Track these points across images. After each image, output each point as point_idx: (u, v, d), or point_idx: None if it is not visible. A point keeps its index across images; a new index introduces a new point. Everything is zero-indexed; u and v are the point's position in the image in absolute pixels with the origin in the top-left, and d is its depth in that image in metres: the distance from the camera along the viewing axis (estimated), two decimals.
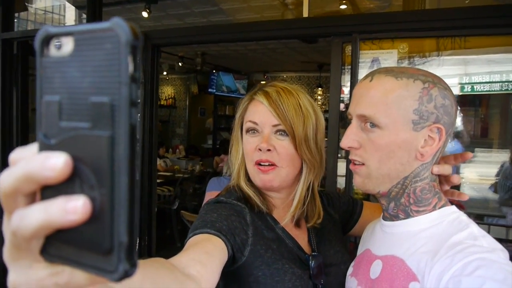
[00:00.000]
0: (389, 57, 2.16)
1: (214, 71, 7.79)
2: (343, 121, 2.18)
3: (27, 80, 3.30)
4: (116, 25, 0.25)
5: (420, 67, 2.10)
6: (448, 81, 0.81)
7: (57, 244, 0.27)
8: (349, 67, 2.18)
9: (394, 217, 0.86)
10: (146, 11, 4.37)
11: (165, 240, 4.89)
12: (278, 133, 0.97)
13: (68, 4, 5.44)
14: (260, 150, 0.96)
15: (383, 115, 0.78)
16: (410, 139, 0.78)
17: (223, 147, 5.90)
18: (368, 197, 1.86)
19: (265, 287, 0.89)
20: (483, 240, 0.71)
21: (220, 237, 0.84)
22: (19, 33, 3.31)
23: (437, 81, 0.79)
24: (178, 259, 0.69)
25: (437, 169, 0.81)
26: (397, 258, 0.80)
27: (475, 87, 2.40)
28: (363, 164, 0.83)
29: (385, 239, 0.87)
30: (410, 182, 0.81)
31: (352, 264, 0.99)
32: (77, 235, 0.26)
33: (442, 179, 0.87)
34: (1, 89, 3.06)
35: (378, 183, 0.83)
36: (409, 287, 0.75)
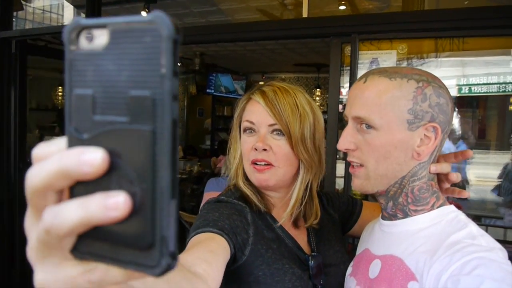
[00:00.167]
0: (388, 57, 2.17)
1: (213, 73, 7.79)
2: (342, 122, 2.19)
3: (25, 79, 3.30)
4: (159, 19, 0.24)
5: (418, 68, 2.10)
6: (446, 82, 0.82)
7: (89, 241, 0.26)
8: (348, 68, 2.19)
9: (392, 217, 0.86)
10: (145, 11, 4.37)
11: None
12: (274, 133, 0.97)
13: (66, 4, 5.43)
14: (256, 149, 0.96)
15: (378, 116, 0.78)
16: (406, 139, 0.78)
17: (221, 148, 5.88)
18: (366, 197, 1.86)
19: (265, 287, 0.89)
20: (481, 239, 0.71)
21: (223, 236, 0.84)
22: (17, 32, 3.31)
23: (431, 80, 0.79)
24: (184, 258, 0.68)
25: (434, 168, 0.82)
26: (396, 258, 0.80)
27: (472, 88, 2.41)
28: (361, 165, 0.83)
29: (384, 239, 0.88)
30: (408, 182, 0.81)
31: (351, 264, 0.99)
32: (113, 231, 0.25)
33: (442, 177, 0.87)
34: None
35: (376, 184, 0.83)
36: (408, 287, 0.75)
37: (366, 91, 0.80)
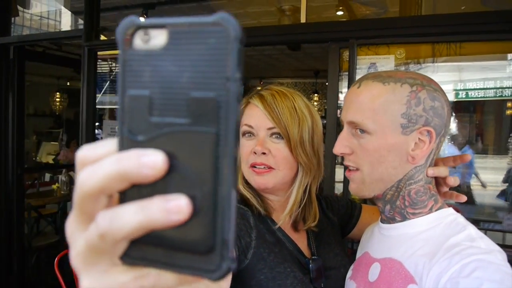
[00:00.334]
0: (386, 62, 2.18)
1: None
2: (340, 127, 2.19)
3: (23, 85, 3.30)
4: (225, 20, 0.24)
5: None
6: (443, 87, 0.82)
7: (141, 246, 0.25)
8: (346, 73, 2.19)
9: (391, 220, 0.86)
10: (144, 17, 4.38)
11: None
12: (273, 136, 0.97)
13: (64, 10, 5.44)
14: (255, 153, 0.96)
15: (371, 120, 0.79)
16: (400, 143, 0.78)
17: None
18: (365, 200, 1.86)
19: None
20: (480, 242, 0.71)
21: None
22: (15, 38, 3.31)
23: (426, 83, 0.79)
24: None
25: (431, 172, 0.82)
26: (395, 261, 0.80)
27: (469, 93, 2.42)
28: (357, 169, 0.83)
29: (383, 242, 0.88)
30: (404, 185, 0.81)
31: (351, 267, 0.99)
32: (168, 235, 0.24)
33: (440, 180, 0.87)
34: None
35: (372, 188, 0.83)
36: None
37: (360, 96, 0.81)
